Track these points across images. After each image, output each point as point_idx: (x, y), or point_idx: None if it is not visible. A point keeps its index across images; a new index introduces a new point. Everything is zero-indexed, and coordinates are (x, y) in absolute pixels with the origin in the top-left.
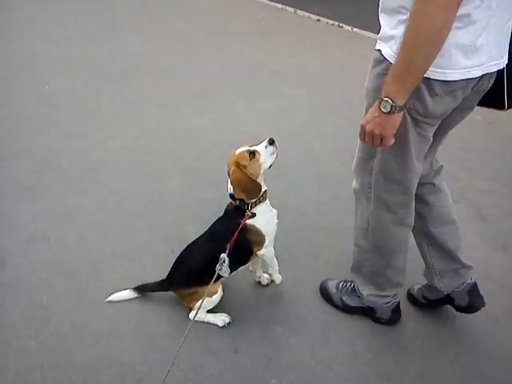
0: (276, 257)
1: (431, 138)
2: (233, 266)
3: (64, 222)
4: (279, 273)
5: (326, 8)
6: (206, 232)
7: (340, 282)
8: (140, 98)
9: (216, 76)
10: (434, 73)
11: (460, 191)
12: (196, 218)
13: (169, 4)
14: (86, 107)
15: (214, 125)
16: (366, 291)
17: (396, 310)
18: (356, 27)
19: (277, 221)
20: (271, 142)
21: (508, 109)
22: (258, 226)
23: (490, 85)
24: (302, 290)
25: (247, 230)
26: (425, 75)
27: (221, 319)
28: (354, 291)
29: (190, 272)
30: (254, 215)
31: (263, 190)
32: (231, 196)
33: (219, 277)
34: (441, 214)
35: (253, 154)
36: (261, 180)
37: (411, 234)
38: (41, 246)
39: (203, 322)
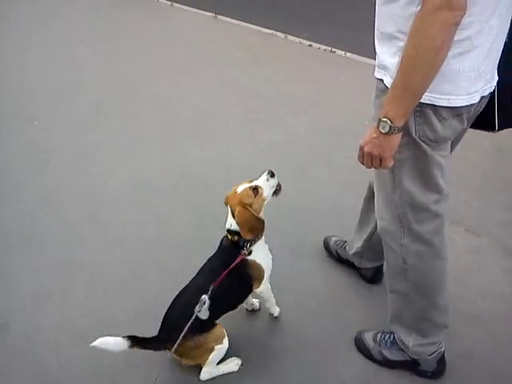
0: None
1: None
2: (222, 309)
3: (68, 274)
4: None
5: (316, 32)
6: (200, 271)
7: (377, 334)
8: (137, 129)
9: (213, 106)
10: (439, 99)
11: (480, 222)
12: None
13: (155, 30)
14: (82, 141)
15: (217, 158)
16: (411, 342)
17: (441, 361)
18: (349, 52)
19: (272, 257)
20: (272, 175)
21: (498, 130)
22: (258, 261)
23: (483, 107)
24: (333, 343)
25: (249, 265)
26: (430, 102)
27: (234, 364)
28: (394, 344)
29: (190, 318)
30: (250, 252)
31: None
32: (229, 231)
33: (217, 316)
34: None
35: (256, 190)
36: (263, 215)
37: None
38: (45, 303)
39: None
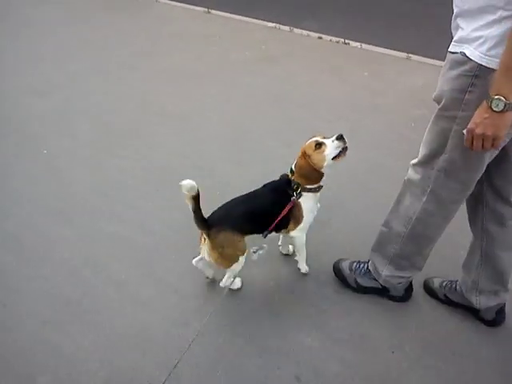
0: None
1: (507, 139)
2: (253, 227)
3: None
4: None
5: (322, 23)
6: (252, 192)
7: (353, 263)
8: (157, 155)
9: (239, 116)
10: None
11: None
12: None
13: (150, 33)
14: (94, 175)
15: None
16: (385, 272)
17: (409, 289)
18: (363, 43)
19: (316, 214)
20: (339, 138)
21: None
22: (303, 205)
23: None
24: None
25: (295, 205)
26: None
27: (238, 281)
28: (367, 273)
29: (233, 216)
30: (300, 196)
31: (320, 184)
32: (291, 170)
33: (251, 232)
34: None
35: (319, 145)
36: (324, 171)
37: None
38: None
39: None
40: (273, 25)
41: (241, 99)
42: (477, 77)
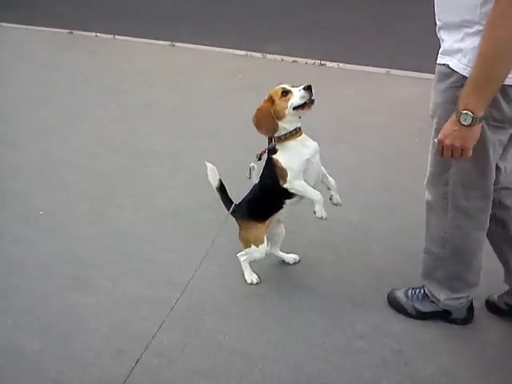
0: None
1: (506, 142)
2: (265, 206)
3: None
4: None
5: (283, 46)
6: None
7: (408, 290)
8: (159, 200)
9: (232, 148)
10: (509, 79)
11: None
12: None
13: (121, 74)
14: (99, 230)
15: None
16: (442, 296)
17: (470, 309)
18: (340, 62)
19: (308, 157)
20: (306, 88)
21: None
22: (280, 160)
23: None
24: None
25: (272, 163)
26: None
27: (250, 278)
28: (425, 297)
29: (245, 205)
30: (275, 151)
31: (293, 128)
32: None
33: (264, 215)
34: None
35: (286, 92)
36: (289, 121)
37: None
38: None
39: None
40: (243, 52)
41: (230, 130)
42: (463, 87)
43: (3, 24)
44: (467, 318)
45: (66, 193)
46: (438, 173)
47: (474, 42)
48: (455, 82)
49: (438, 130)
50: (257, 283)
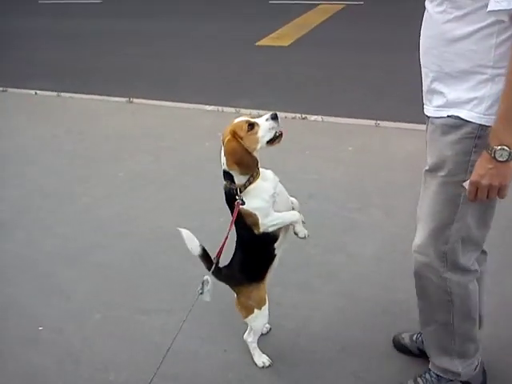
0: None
1: None
2: (264, 264)
3: None
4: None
5: (253, 99)
6: None
7: (417, 379)
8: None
9: None
10: None
11: None
12: None
13: (88, 139)
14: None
15: None
16: (461, 367)
17: (484, 372)
18: (322, 115)
19: (273, 191)
20: (274, 117)
21: None
22: (245, 207)
23: None
24: None
25: (242, 216)
26: None
27: (261, 360)
28: (441, 379)
29: (239, 270)
30: (243, 203)
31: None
32: (224, 173)
33: (259, 273)
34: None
35: (251, 126)
36: (257, 156)
37: None
38: None
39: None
40: (214, 108)
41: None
42: (479, 137)
43: None
44: (484, 380)
45: (65, 300)
46: (440, 229)
47: (491, 89)
48: (470, 133)
49: (448, 183)
50: (269, 365)
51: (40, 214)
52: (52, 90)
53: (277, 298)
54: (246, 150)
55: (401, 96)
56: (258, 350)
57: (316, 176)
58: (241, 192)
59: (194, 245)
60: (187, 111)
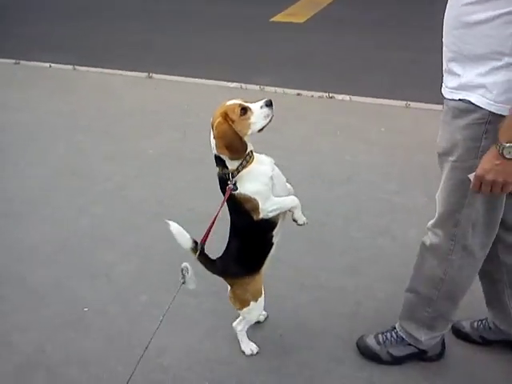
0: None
1: None
2: (261, 253)
3: None
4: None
5: (276, 77)
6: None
7: (378, 336)
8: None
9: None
10: None
11: None
12: None
13: (108, 113)
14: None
15: None
16: (424, 336)
17: (443, 342)
18: (348, 94)
19: (271, 173)
20: (268, 104)
21: None
22: (243, 191)
23: None
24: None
25: (239, 201)
26: None
27: (249, 348)
28: (401, 340)
29: (234, 262)
30: (235, 188)
31: (248, 150)
32: (216, 158)
33: (256, 263)
34: None
35: (244, 110)
36: (247, 141)
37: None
38: None
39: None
40: (237, 85)
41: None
42: (489, 123)
43: None
44: (441, 352)
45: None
46: (450, 212)
47: (503, 76)
48: (480, 119)
49: (458, 168)
50: (257, 353)
51: (71, 193)
52: (67, 63)
53: (324, 282)
54: (237, 134)
55: (428, 78)
56: (247, 337)
57: (350, 158)
58: (233, 177)
59: (184, 239)
60: (209, 88)
